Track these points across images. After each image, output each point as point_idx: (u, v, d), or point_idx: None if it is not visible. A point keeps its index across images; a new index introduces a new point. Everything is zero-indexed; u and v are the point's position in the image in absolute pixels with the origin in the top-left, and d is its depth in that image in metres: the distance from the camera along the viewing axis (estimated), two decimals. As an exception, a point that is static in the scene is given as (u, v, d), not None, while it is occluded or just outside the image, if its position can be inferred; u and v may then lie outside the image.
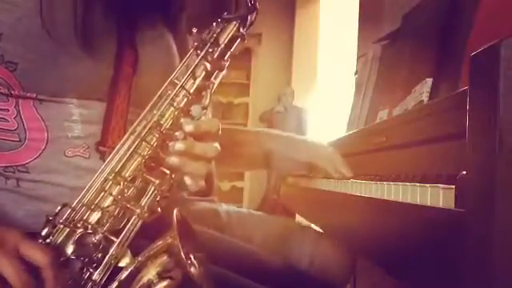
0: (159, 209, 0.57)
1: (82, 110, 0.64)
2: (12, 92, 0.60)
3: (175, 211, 0.57)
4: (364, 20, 2.18)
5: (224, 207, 1.08)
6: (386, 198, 0.61)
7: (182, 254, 0.53)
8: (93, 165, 0.63)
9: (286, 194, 1.42)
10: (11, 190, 0.62)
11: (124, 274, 0.55)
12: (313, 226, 1.09)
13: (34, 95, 0.61)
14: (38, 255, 0.52)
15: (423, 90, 0.78)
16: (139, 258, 0.56)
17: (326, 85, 4.39)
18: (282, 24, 4.84)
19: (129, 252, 0.56)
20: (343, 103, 1.87)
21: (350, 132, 1.14)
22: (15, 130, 0.62)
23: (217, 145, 0.61)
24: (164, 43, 0.73)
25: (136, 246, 0.57)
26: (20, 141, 0.62)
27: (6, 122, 0.61)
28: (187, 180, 0.59)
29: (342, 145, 1.09)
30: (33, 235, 0.55)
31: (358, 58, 1.36)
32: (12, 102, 0.61)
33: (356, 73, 1.33)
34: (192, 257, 0.56)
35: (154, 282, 0.55)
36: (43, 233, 0.55)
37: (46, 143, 0.62)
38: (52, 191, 0.63)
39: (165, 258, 0.55)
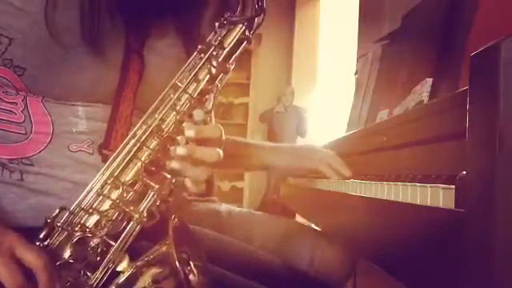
0: (158, 214, 0.56)
1: (87, 108, 0.64)
2: (19, 92, 0.61)
3: (172, 218, 0.56)
4: (364, 20, 2.18)
5: (224, 207, 1.08)
6: (386, 197, 0.61)
7: (177, 263, 0.51)
8: (96, 161, 0.63)
9: (286, 194, 1.42)
10: (15, 183, 0.62)
11: (121, 279, 0.55)
12: (313, 225, 1.09)
13: (41, 97, 0.62)
14: (32, 257, 0.52)
15: (423, 90, 0.78)
16: (137, 263, 0.56)
17: (325, 85, 4.39)
18: (282, 24, 4.83)
19: (127, 256, 0.56)
20: (343, 103, 1.87)
21: (350, 132, 1.13)
22: (22, 122, 0.62)
23: (219, 150, 0.60)
24: (174, 53, 0.71)
25: (134, 248, 0.57)
26: (25, 134, 0.62)
27: (14, 114, 0.62)
28: (187, 183, 0.58)
29: (341, 145, 1.09)
30: (33, 232, 0.55)
31: (358, 58, 1.36)
32: (21, 95, 0.62)
33: (356, 73, 1.33)
34: (192, 264, 0.56)
35: None
36: (41, 235, 0.55)
37: (51, 137, 0.63)
38: (55, 185, 0.63)
39: (156, 268, 0.54)
